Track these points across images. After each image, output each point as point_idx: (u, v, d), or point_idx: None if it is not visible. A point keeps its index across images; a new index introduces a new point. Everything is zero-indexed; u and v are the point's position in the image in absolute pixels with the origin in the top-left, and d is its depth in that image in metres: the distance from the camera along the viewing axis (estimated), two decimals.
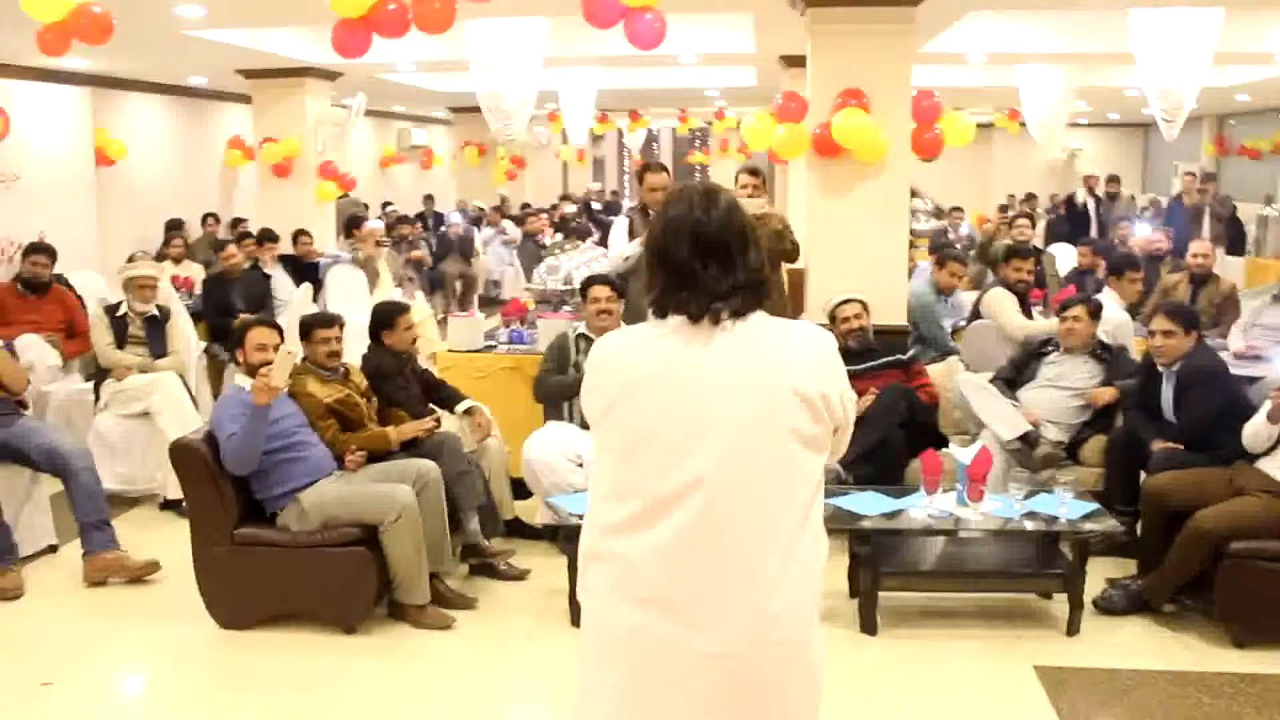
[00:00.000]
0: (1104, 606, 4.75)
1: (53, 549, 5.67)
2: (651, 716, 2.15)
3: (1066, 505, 4.62)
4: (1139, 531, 4.97)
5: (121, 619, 4.91)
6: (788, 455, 2.11)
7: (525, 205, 15.51)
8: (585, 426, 5.62)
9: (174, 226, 10.89)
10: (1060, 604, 4.67)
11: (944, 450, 5.08)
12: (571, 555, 4.62)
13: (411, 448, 5.16)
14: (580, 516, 4.61)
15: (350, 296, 9.86)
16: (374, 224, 10.73)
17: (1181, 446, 5.00)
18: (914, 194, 9.32)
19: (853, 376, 5.51)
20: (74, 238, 9.60)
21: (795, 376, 2.11)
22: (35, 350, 7.07)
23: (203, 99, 12.40)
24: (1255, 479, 4.58)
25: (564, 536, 4.79)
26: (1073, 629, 4.57)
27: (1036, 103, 10.58)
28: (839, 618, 4.68)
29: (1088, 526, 4.54)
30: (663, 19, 5.35)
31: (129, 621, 4.89)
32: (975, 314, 6.77)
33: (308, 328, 5.25)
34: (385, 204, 15.13)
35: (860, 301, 5.96)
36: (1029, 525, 4.59)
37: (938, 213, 12.99)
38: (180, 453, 4.81)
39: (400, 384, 5.46)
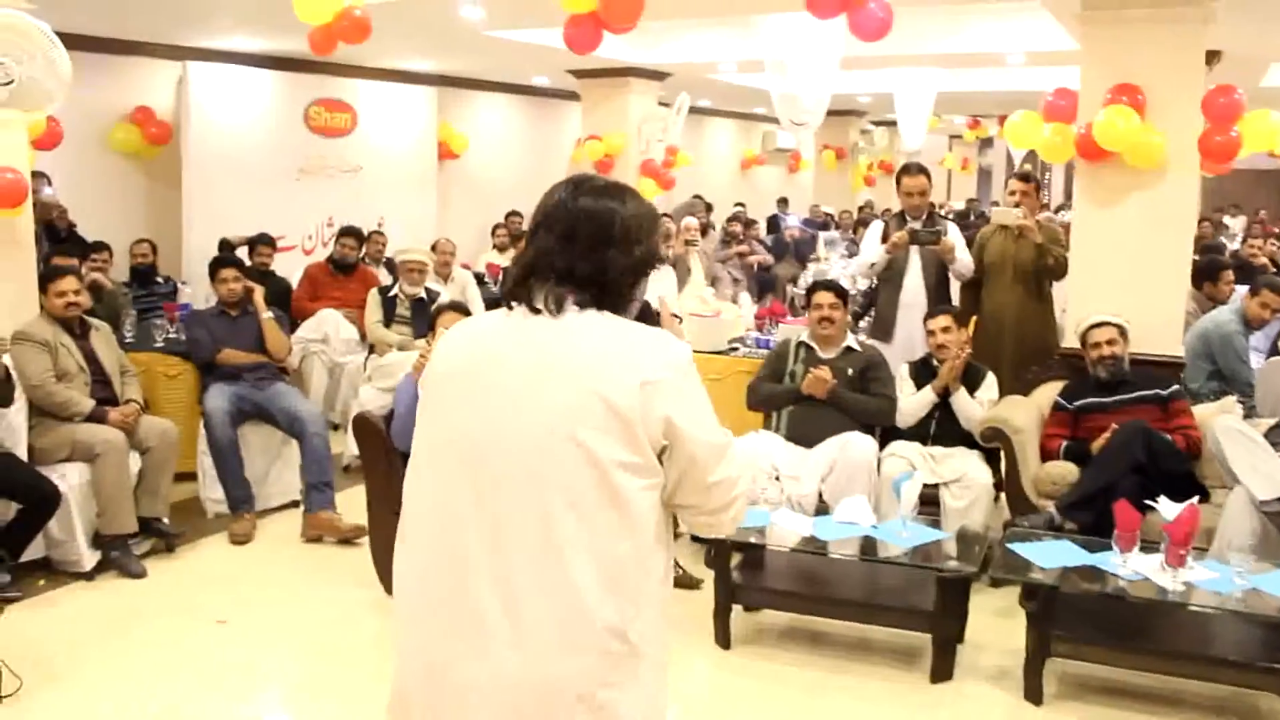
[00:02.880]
0: None
1: (296, 504, 6.09)
2: None
3: None
4: None
5: (316, 575, 5.22)
6: (593, 476, 1.84)
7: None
8: (790, 438, 5.30)
9: (509, 217, 11.45)
10: None
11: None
12: (719, 568, 4.41)
13: None
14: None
15: (656, 292, 9.96)
16: (688, 221, 10.76)
17: None
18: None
19: (1098, 411, 4.99)
20: (414, 224, 10.36)
21: (610, 382, 1.84)
22: (333, 324, 7.69)
23: (546, 97, 12.98)
24: None
25: (712, 547, 4.49)
26: None
27: None
28: (1011, 680, 4.08)
29: None
30: (888, 9, 4.91)
31: (321, 578, 5.17)
32: (1274, 349, 5.71)
33: (459, 313, 5.27)
34: (737, 204, 15.13)
35: (1117, 326, 5.18)
36: (1242, 605, 3.76)
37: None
38: (361, 425, 5.00)
39: None
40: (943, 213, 12.28)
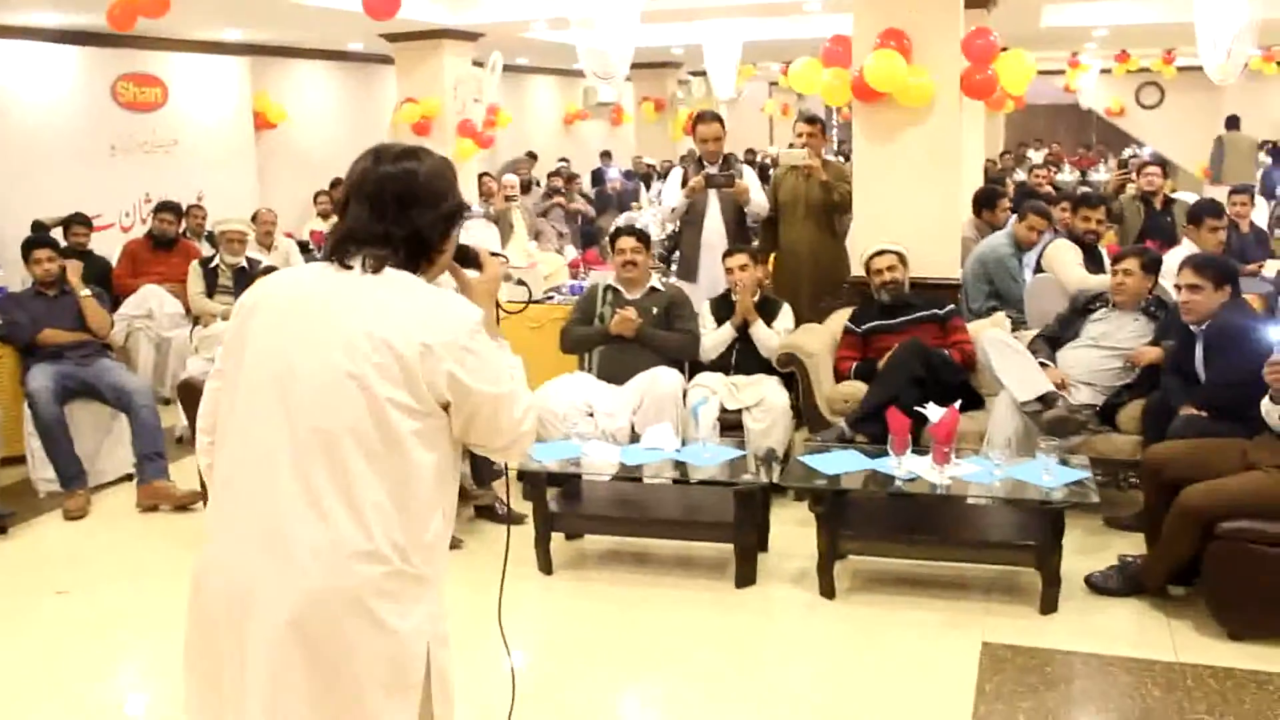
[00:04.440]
0: (1096, 585, 4.37)
1: (129, 478, 6.14)
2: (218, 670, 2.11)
3: (1051, 473, 4.26)
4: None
5: (154, 541, 5.34)
6: (377, 418, 2.02)
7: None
8: (602, 377, 5.63)
9: (334, 185, 11.46)
10: (1064, 580, 4.27)
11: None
12: (536, 499, 4.72)
13: None
14: (541, 462, 4.72)
15: (480, 246, 10.16)
16: (508, 178, 10.96)
17: (1207, 414, 4.51)
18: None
19: (883, 332, 5.45)
20: (234, 197, 10.29)
21: (395, 334, 2.02)
22: (156, 299, 7.68)
23: (363, 63, 12.96)
24: (1273, 454, 4.07)
25: (527, 481, 4.80)
26: (1047, 607, 4.21)
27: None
28: (809, 580, 4.51)
29: (1059, 496, 4.16)
30: None
31: (160, 544, 5.29)
32: (1038, 267, 6.28)
33: None
34: (561, 159, 15.38)
35: (896, 253, 5.65)
36: (1000, 493, 4.26)
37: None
38: (187, 391, 5.13)
39: None
40: (760, 158, 12.68)
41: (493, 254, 2.33)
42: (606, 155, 16.73)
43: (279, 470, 2.03)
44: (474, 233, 10.22)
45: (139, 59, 9.78)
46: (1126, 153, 18.60)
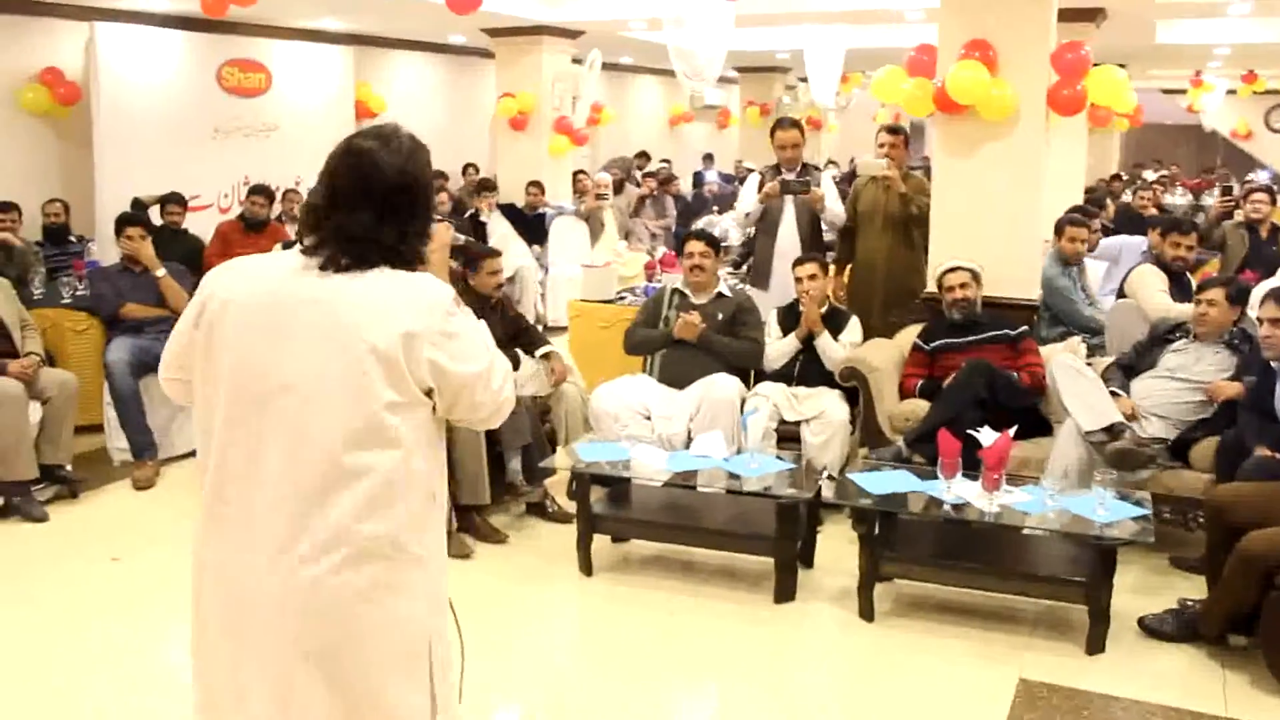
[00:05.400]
0: (1150, 629, 4.18)
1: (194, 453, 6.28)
2: (232, 649, 2.15)
3: (1106, 507, 4.09)
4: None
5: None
6: (361, 416, 2.04)
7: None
8: (662, 380, 5.58)
9: (434, 176, 11.62)
10: (1116, 619, 4.11)
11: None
12: (580, 500, 4.70)
13: None
14: (590, 466, 4.70)
15: (570, 246, 10.21)
16: (601, 176, 10.98)
17: None
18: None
19: (952, 351, 5.31)
20: None
21: (377, 333, 2.03)
22: None
23: (464, 56, 13.09)
24: None
25: (575, 483, 4.79)
26: (1093, 647, 4.04)
27: None
28: (850, 600, 4.40)
29: (1112, 533, 3.99)
30: None
31: None
32: (1122, 291, 6.03)
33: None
34: (662, 160, 15.36)
35: (969, 270, 5.49)
36: (1042, 524, 4.10)
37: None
38: None
39: None
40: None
41: (437, 219, 2.29)
42: (709, 158, 16.66)
43: (271, 476, 2.05)
44: (564, 232, 10.31)
45: (244, 45, 10.02)
46: (1250, 178, 17.88)
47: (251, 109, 10.11)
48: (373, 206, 2.09)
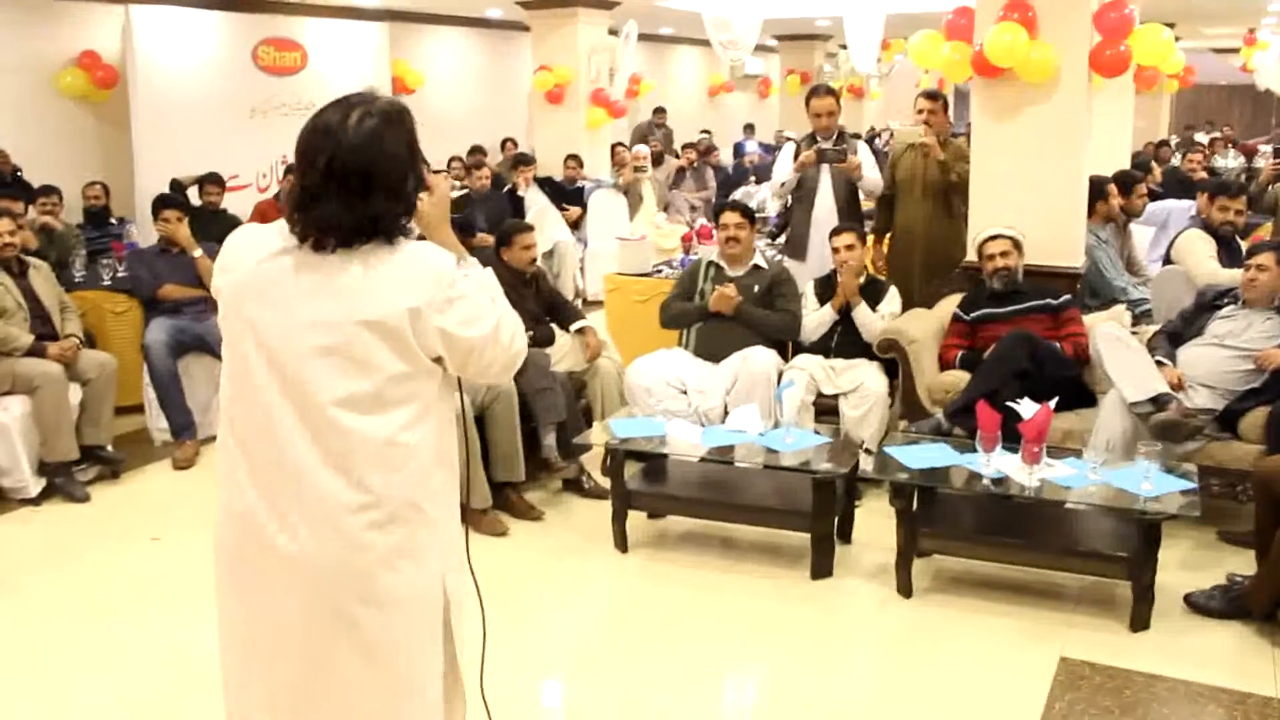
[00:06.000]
0: (1196, 605, 4.07)
1: None
2: (256, 614, 2.21)
3: (1151, 480, 3.98)
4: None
5: None
6: (369, 387, 2.06)
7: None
8: (698, 354, 5.52)
9: (473, 151, 11.59)
10: (1161, 595, 4.00)
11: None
12: (614, 476, 4.66)
13: None
14: (625, 441, 4.65)
15: (609, 220, 10.14)
16: (639, 149, 10.89)
17: None
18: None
19: (993, 321, 5.20)
20: None
21: (377, 308, 2.03)
22: None
23: (501, 29, 13.02)
24: None
25: (609, 459, 4.75)
26: (1137, 624, 3.94)
27: None
28: (888, 576, 4.33)
29: (1156, 507, 3.88)
30: None
31: None
32: (1169, 258, 5.86)
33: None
34: (702, 131, 15.22)
35: (1010, 238, 5.36)
36: (1084, 498, 3.99)
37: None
38: None
39: (513, 299, 5.41)
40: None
41: (434, 171, 2.25)
42: (749, 128, 16.49)
43: (292, 446, 2.07)
44: (602, 204, 10.24)
45: (279, 24, 10.03)
46: None
47: (288, 88, 10.13)
48: (338, 193, 2.03)
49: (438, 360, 2.11)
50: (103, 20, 9.07)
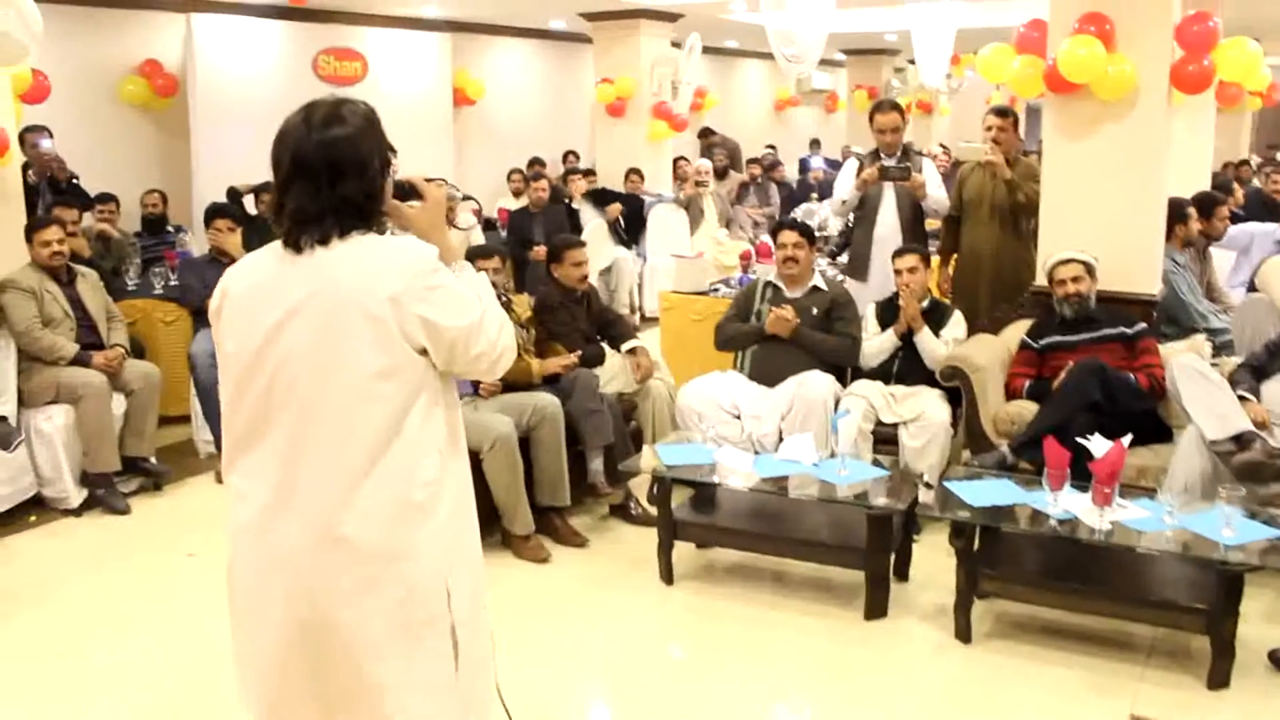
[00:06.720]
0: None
1: None
2: (255, 614, 2.27)
3: (1233, 526, 3.71)
4: None
5: None
6: (355, 383, 2.11)
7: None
8: (753, 377, 5.33)
9: (533, 163, 11.50)
10: (1243, 650, 3.73)
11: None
12: (661, 504, 4.47)
13: (555, 382, 5.12)
14: (672, 469, 4.46)
15: (669, 235, 9.99)
16: (701, 163, 10.72)
17: None
18: None
19: (1063, 349, 4.95)
20: (430, 171, 10.39)
21: (360, 297, 2.08)
22: None
23: (564, 41, 12.92)
24: None
25: (656, 487, 4.56)
26: (1215, 682, 3.67)
27: None
28: (945, 618, 4.09)
29: (1239, 556, 3.61)
30: None
31: None
32: (1253, 285, 5.55)
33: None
34: (767, 146, 15.00)
35: (1083, 263, 5.10)
36: (1159, 545, 3.72)
37: None
38: None
39: (564, 318, 5.41)
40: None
41: (428, 179, 2.31)
42: (815, 143, 16.24)
43: (288, 447, 2.13)
44: (662, 219, 10.08)
45: (340, 34, 10.01)
46: None
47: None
48: (303, 185, 2.11)
49: (424, 353, 2.15)
50: (164, 29, 9.11)
